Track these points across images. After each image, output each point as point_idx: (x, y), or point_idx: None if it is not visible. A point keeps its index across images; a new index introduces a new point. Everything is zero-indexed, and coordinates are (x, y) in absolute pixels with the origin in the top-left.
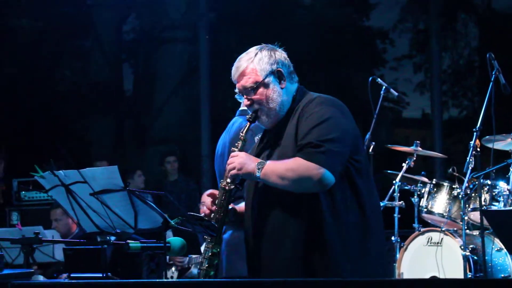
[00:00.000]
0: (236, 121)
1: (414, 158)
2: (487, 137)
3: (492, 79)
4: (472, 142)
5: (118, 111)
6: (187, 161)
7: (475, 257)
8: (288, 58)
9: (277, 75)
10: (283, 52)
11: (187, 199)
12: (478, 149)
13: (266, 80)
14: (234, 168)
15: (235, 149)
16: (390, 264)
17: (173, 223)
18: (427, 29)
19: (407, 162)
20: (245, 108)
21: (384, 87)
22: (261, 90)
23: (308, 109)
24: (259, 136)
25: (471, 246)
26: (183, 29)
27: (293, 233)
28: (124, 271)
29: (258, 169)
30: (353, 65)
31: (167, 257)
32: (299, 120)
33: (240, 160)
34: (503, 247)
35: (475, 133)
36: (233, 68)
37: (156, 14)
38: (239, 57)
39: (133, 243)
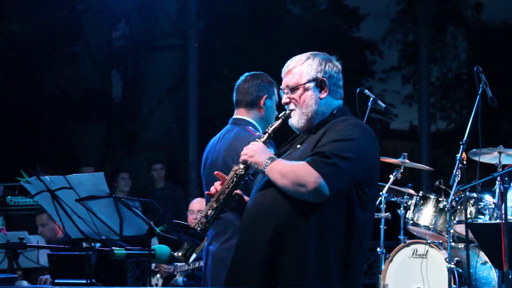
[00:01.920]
0: (232, 129)
1: (401, 170)
2: (473, 150)
3: (479, 92)
4: (458, 155)
5: (106, 118)
6: (174, 169)
7: (460, 270)
8: (340, 72)
9: (320, 83)
10: (338, 65)
11: (174, 206)
12: (465, 162)
13: (307, 84)
14: (246, 154)
15: (259, 140)
16: (375, 276)
17: (158, 231)
18: (416, 41)
19: (394, 174)
20: (238, 116)
21: (371, 98)
22: (299, 92)
23: (337, 125)
24: (259, 137)
25: (456, 258)
26: (172, 37)
27: (270, 231)
28: (109, 277)
29: (267, 163)
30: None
31: (153, 264)
32: (325, 132)
33: (255, 148)
34: (488, 260)
35: (461, 146)
36: (285, 65)
37: (146, 21)
38: (294, 57)
39: (118, 250)
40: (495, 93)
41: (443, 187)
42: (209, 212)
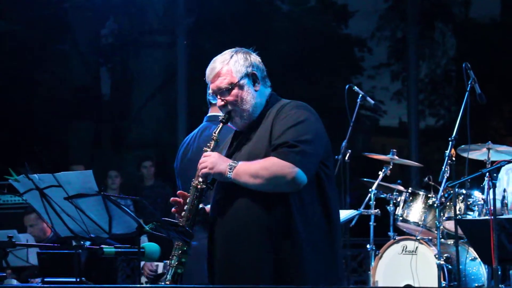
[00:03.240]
0: (210, 126)
1: (391, 167)
2: (462, 146)
3: (468, 89)
4: (447, 151)
5: (95, 115)
6: (164, 166)
7: (450, 266)
8: (262, 63)
9: (252, 77)
10: (257, 56)
11: (164, 204)
12: (454, 159)
13: (241, 81)
14: (205, 167)
15: (207, 149)
16: (365, 272)
17: (148, 228)
18: (405, 37)
19: (383, 170)
20: (213, 114)
21: (360, 95)
22: (235, 91)
23: (283, 111)
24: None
25: (445, 255)
26: (161, 34)
27: (260, 232)
28: (98, 276)
29: (230, 169)
30: (330, 73)
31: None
32: (274, 122)
33: (212, 160)
34: (477, 256)
35: (450, 143)
36: (208, 69)
37: (135, 18)
38: (214, 59)
39: (107, 248)
40: (483, 90)
41: (432, 184)
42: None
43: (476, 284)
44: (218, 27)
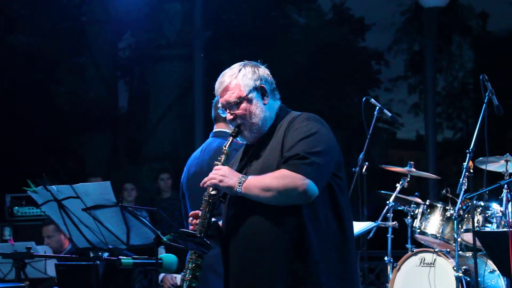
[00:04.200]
0: (214, 141)
1: (408, 179)
2: (480, 158)
3: (486, 101)
4: (465, 164)
5: (112, 128)
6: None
7: (468, 278)
8: (270, 75)
9: (260, 91)
10: (266, 69)
11: (180, 216)
12: (471, 171)
13: (250, 95)
14: (215, 179)
15: (218, 163)
16: (382, 285)
17: (165, 240)
18: (422, 50)
19: (401, 182)
20: (219, 129)
21: (377, 107)
22: (244, 105)
23: (294, 124)
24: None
25: (464, 267)
26: (178, 47)
27: (275, 245)
28: (116, 287)
29: (239, 183)
30: (347, 86)
31: (160, 276)
32: (285, 135)
33: (222, 173)
34: (496, 268)
35: (468, 155)
36: (217, 83)
37: (152, 32)
38: (222, 73)
39: (125, 259)
40: (501, 102)
41: (450, 196)
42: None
43: None
44: (235, 41)
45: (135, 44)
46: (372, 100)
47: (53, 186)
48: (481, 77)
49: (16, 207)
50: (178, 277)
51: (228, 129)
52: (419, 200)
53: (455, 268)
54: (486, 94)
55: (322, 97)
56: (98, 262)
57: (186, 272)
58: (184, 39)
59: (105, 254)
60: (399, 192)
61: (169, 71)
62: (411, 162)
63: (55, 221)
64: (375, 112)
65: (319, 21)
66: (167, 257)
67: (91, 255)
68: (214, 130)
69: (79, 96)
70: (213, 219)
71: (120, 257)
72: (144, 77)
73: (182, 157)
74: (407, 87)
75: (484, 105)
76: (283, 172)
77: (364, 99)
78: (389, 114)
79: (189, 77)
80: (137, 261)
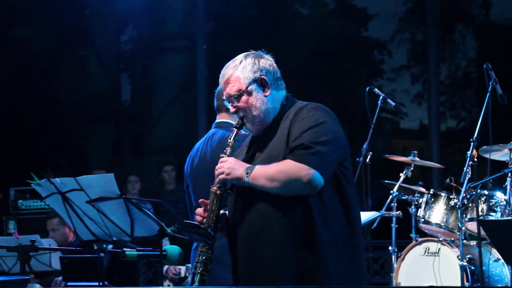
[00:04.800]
0: (216, 132)
1: (412, 168)
2: (484, 147)
3: (489, 90)
4: (469, 152)
5: (116, 121)
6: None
7: (473, 267)
8: (274, 65)
9: (261, 82)
10: (269, 58)
11: (185, 208)
12: (475, 159)
13: (249, 88)
14: (222, 173)
15: (224, 155)
16: (387, 274)
17: (170, 231)
18: (425, 40)
19: (404, 172)
20: (221, 120)
21: (381, 97)
22: (244, 98)
23: (301, 114)
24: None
25: (468, 256)
26: (181, 39)
27: (283, 235)
28: (120, 279)
29: (247, 173)
30: (350, 76)
31: (165, 268)
32: (291, 125)
33: (229, 165)
34: (500, 257)
35: (472, 144)
36: (220, 75)
37: (154, 24)
38: (226, 64)
39: (129, 251)
40: (505, 90)
41: (454, 185)
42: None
43: (500, 285)
44: (238, 32)
45: (138, 37)
46: (376, 89)
47: (57, 179)
48: (485, 66)
49: (20, 201)
50: (182, 269)
51: (230, 119)
52: (423, 190)
53: (459, 257)
54: (490, 83)
55: (325, 88)
56: (102, 254)
57: (197, 265)
58: (186, 31)
59: (110, 246)
60: (403, 182)
61: (172, 63)
62: (415, 152)
63: (59, 213)
64: (379, 102)
65: (322, 11)
66: (172, 249)
67: (96, 247)
68: (217, 120)
69: (82, 89)
70: (221, 212)
71: (124, 249)
72: (147, 70)
73: (186, 149)
74: (410, 76)
75: (488, 94)
76: (288, 163)
77: (367, 89)
78: (393, 103)
79: (192, 69)
80: (141, 253)
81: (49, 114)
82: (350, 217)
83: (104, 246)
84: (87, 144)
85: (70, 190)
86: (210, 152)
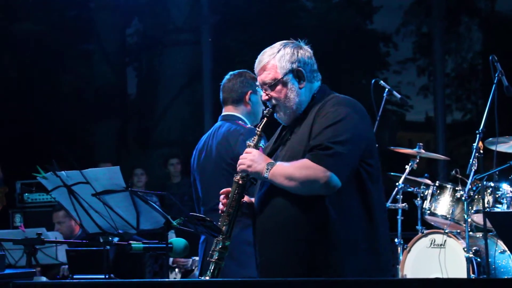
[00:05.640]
0: (223, 125)
1: (417, 160)
2: (490, 139)
3: (495, 82)
4: (475, 144)
5: (121, 114)
6: (190, 164)
7: (479, 259)
8: (313, 56)
9: (297, 74)
10: (308, 50)
11: (190, 201)
12: (481, 151)
13: (285, 78)
14: (244, 165)
15: (251, 143)
16: (394, 267)
17: (175, 224)
18: (430, 32)
19: (410, 164)
20: (227, 113)
21: (387, 89)
22: (279, 87)
23: (324, 109)
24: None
25: (474, 248)
26: (186, 32)
27: (297, 232)
28: (127, 272)
29: (267, 169)
30: (356, 68)
31: (170, 259)
32: (314, 120)
33: (252, 158)
34: (506, 249)
35: (478, 135)
36: (256, 61)
37: (160, 17)
38: (263, 51)
39: (135, 244)
40: (510, 82)
41: (460, 177)
42: (224, 228)
43: (506, 277)
44: (243, 25)
45: (143, 30)
46: (382, 82)
47: (63, 172)
48: (490, 58)
49: (26, 194)
50: (188, 261)
51: (236, 112)
52: (428, 182)
53: (465, 249)
54: (496, 75)
55: (330, 80)
56: (108, 247)
57: (213, 253)
58: (192, 24)
59: (115, 239)
60: (409, 174)
61: (178, 56)
62: (420, 144)
63: (65, 206)
64: (384, 94)
65: (327, 4)
66: (177, 242)
67: (101, 240)
68: (223, 113)
69: (87, 83)
70: (244, 200)
71: (130, 242)
72: (153, 63)
73: (192, 142)
74: (416, 69)
75: (494, 85)
76: (306, 163)
77: (373, 81)
78: (398, 96)
79: (198, 62)
80: (147, 245)
81: (54, 108)
82: (372, 215)
83: (110, 239)
84: (93, 137)
85: (76, 183)
86: (216, 146)
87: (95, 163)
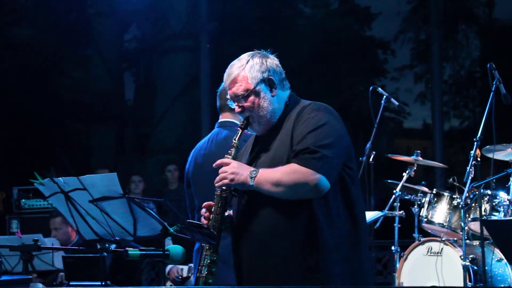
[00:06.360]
0: (221, 132)
1: (415, 168)
2: (487, 147)
3: (493, 89)
4: (472, 152)
5: (119, 120)
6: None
7: (475, 267)
8: (280, 65)
9: (268, 83)
10: (275, 58)
11: (187, 207)
12: (479, 159)
13: (257, 88)
14: (226, 179)
15: (229, 156)
16: (390, 274)
17: (172, 231)
18: (428, 39)
19: (407, 171)
20: (224, 120)
21: (384, 96)
22: (251, 98)
23: (303, 115)
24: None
25: (471, 256)
26: (184, 38)
27: (286, 237)
28: (123, 279)
29: (251, 178)
30: (354, 75)
31: (167, 270)
32: (294, 126)
33: (233, 170)
34: (503, 257)
35: (475, 143)
36: (225, 75)
37: (158, 23)
38: (231, 64)
39: (132, 251)
40: (508, 90)
41: (457, 184)
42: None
43: (502, 285)
44: (241, 31)
45: (141, 36)
46: (380, 89)
47: (60, 178)
48: (488, 65)
49: (23, 200)
50: (184, 268)
51: (233, 118)
52: (426, 189)
53: (462, 257)
54: (494, 83)
55: (328, 87)
56: (105, 253)
57: (201, 269)
58: (190, 30)
59: (112, 246)
60: (406, 181)
61: (175, 63)
62: (418, 151)
63: (62, 213)
64: (382, 101)
65: (325, 11)
66: (174, 248)
67: (98, 247)
68: (220, 120)
69: (85, 89)
70: (226, 213)
71: (127, 248)
72: (150, 69)
73: (189, 149)
74: (414, 76)
75: (492, 93)
76: (293, 167)
77: (371, 88)
78: (396, 103)
79: (195, 68)
80: (144, 252)
81: (52, 114)
82: (354, 218)
83: (107, 245)
84: (90, 143)
85: (73, 189)
86: (215, 153)
87: (92, 169)
